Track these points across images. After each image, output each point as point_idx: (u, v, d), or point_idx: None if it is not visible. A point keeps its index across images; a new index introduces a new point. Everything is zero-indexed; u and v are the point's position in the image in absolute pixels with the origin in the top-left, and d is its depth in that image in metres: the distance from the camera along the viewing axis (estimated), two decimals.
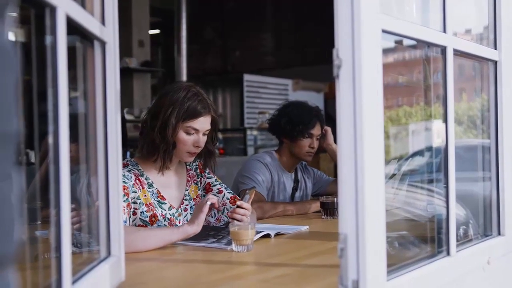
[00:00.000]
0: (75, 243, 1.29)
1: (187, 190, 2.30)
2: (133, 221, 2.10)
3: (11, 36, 0.59)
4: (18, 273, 0.61)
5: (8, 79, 0.55)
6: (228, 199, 2.30)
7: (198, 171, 2.36)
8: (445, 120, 1.51)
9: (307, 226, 2.34)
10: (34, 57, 1.01)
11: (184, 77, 8.73)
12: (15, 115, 0.57)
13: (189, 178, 2.32)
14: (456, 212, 1.55)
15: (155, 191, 2.18)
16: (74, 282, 1.06)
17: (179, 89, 2.14)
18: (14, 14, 0.60)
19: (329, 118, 3.76)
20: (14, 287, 0.60)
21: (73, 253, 1.06)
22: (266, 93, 8.11)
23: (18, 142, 0.58)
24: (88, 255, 1.38)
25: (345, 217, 1.16)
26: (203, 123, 2.16)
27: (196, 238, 1.98)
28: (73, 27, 1.08)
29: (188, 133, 2.14)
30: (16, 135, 0.57)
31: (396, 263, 1.33)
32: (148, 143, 2.16)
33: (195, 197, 2.31)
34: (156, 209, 2.14)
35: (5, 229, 0.56)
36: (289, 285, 1.47)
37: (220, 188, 2.34)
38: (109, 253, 1.34)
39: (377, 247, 1.18)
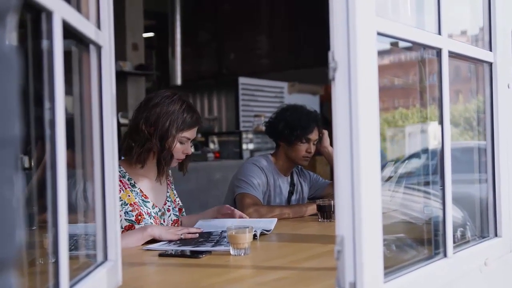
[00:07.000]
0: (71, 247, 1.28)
1: (168, 192, 2.40)
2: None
3: (12, 41, 0.59)
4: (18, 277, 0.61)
5: (10, 84, 0.56)
6: (172, 221, 2.37)
7: (172, 179, 2.48)
8: (441, 122, 1.51)
9: (276, 220, 2.37)
10: (30, 61, 1.01)
11: (179, 81, 8.72)
12: (17, 120, 0.57)
13: (168, 182, 2.44)
14: (454, 214, 1.55)
15: (138, 190, 2.26)
16: (71, 286, 1.06)
17: (172, 101, 2.24)
18: (15, 19, 0.61)
19: (325, 120, 3.76)
20: None
21: (70, 258, 1.05)
22: (262, 96, 8.09)
23: (19, 146, 0.59)
24: (85, 260, 1.38)
25: (341, 219, 1.16)
26: (195, 132, 2.31)
27: (194, 244, 1.97)
28: (68, 31, 1.08)
29: (181, 143, 2.26)
30: (17, 140, 0.58)
31: (393, 265, 1.33)
32: (145, 151, 2.22)
33: (173, 200, 2.42)
34: (141, 207, 2.22)
35: (7, 232, 0.56)
36: None
37: (169, 206, 2.41)
38: (106, 258, 1.34)
39: (374, 249, 1.18)
